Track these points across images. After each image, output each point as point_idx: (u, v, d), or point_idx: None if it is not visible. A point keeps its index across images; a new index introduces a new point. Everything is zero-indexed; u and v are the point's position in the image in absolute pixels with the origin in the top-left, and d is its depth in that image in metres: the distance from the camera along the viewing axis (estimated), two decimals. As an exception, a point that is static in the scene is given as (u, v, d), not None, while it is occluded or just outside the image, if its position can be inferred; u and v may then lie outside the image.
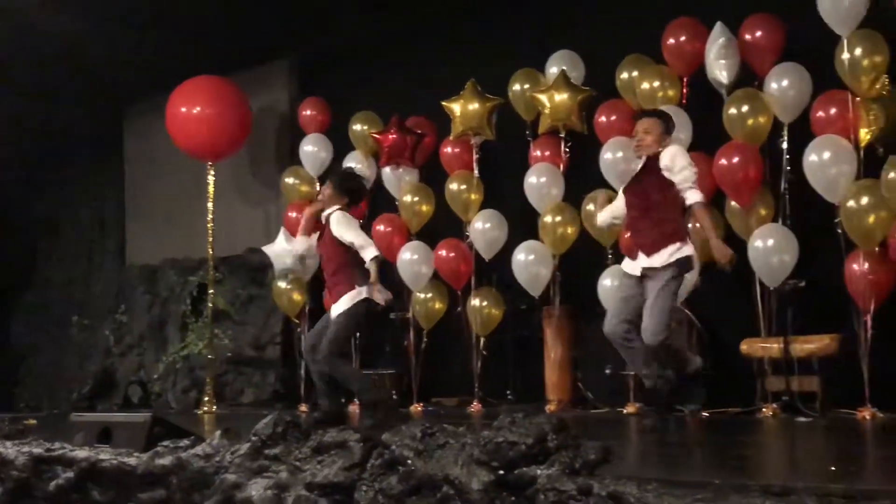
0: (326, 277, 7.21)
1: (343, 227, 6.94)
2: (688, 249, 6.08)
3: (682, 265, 6.08)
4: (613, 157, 7.99)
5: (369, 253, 6.84)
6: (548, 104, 8.49)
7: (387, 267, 8.56)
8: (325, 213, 7.17)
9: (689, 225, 6.42)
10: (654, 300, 5.99)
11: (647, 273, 6.10)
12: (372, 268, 6.82)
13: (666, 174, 6.09)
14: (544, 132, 8.62)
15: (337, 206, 7.08)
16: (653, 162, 6.20)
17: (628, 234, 6.67)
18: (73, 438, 5.45)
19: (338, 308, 6.91)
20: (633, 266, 6.23)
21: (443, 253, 9.01)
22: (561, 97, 8.41)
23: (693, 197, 6.05)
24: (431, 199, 9.47)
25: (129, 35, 10.13)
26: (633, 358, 6.26)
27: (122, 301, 12.63)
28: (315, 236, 7.26)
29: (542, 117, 8.58)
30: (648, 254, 6.10)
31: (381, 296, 6.90)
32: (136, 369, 12.10)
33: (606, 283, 7.83)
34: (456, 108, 9.03)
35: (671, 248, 6.03)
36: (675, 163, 6.08)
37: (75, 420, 5.92)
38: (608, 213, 6.73)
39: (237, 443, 4.34)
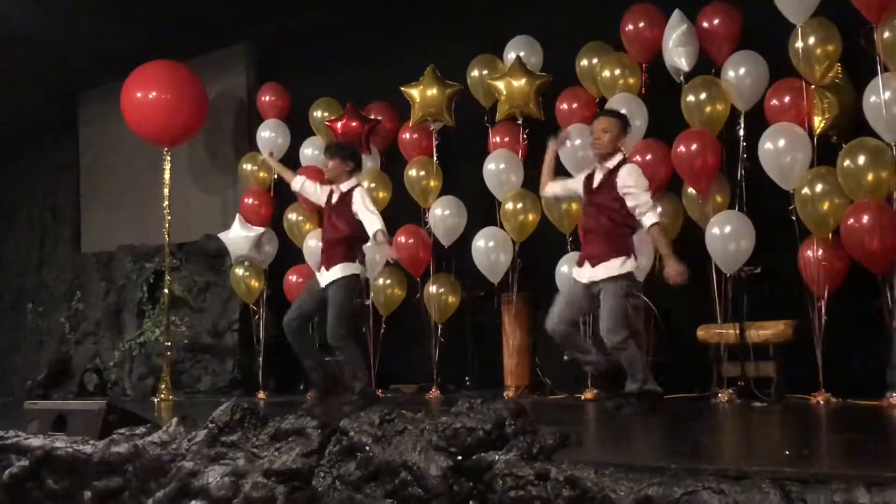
0: (327, 248, 7.38)
1: (367, 202, 7.24)
2: (631, 264, 6.14)
3: (627, 278, 6.15)
4: (572, 144, 8.00)
5: (376, 225, 7.12)
6: (504, 91, 8.48)
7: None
8: (338, 187, 7.40)
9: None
10: (606, 302, 6.05)
11: (594, 283, 6.16)
12: (380, 236, 7.09)
13: (622, 191, 6.11)
14: (502, 119, 8.62)
15: (348, 178, 7.37)
16: (611, 175, 6.20)
17: (582, 239, 6.65)
18: (28, 426, 5.40)
19: (332, 275, 7.19)
20: (580, 274, 6.28)
21: (402, 239, 9.00)
22: (518, 83, 8.41)
23: (650, 220, 6.07)
24: (388, 186, 9.44)
25: (83, 18, 9.98)
26: (574, 344, 6.38)
27: (77, 288, 12.50)
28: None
29: (499, 104, 8.58)
30: (594, 265, 6.15)
31: (393, 253, 7.43)
32: (91, 357, 11.98)
33: (564, 269, 7.85)
34: (415, 93, 9.01)
35: (617, 261, 6.08)
36: (637, 184, 6.11)
37: (30, 408, 5.87)
38: (557, 187, 6.72)
39: (194, 430, 4.32)
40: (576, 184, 6.60)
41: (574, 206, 8.02)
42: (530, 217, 8.38)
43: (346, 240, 7.27)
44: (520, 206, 8.37)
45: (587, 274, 6.19)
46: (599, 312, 6.11)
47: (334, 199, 7.43)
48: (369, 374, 7.77)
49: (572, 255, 7.80)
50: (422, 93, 8.97)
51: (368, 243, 7.36)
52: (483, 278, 8.55)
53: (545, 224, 8.30)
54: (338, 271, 7.21)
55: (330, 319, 7.16)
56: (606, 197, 6.19)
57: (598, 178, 6.32)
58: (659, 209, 6.29)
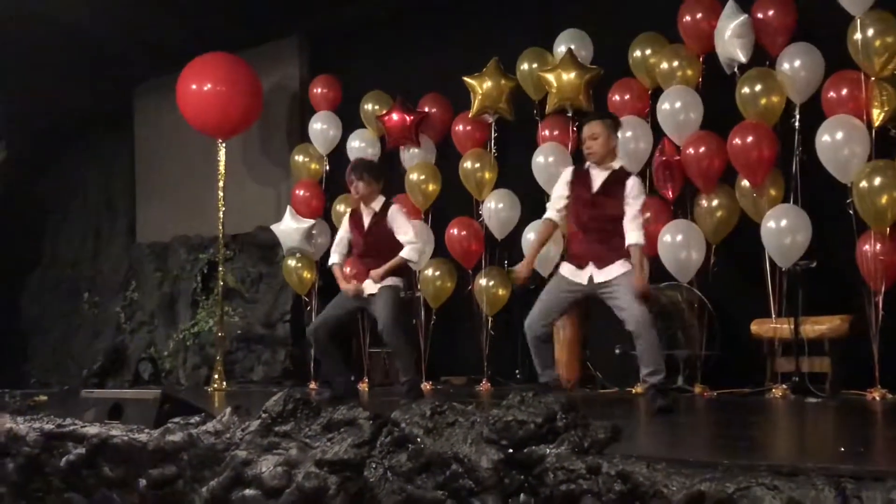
0: (365, 262, 7.25)
1: (403, 221, 7.20)
2: (629, 264, 6.05)
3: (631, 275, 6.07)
4: (623, 137, 7.96)
5: (411, 253, 7.15)
6: (555, 83, 8.45)
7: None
8: (369, 207, 7.26)
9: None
10: (626, 295, 5.94)
11: (597, 285, 6.06)
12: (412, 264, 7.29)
13: (627, 200, 6.02)
14: (551, 112, 8.59)
15: (379, 196, 7.27)
16: (619, 181, 6.09)
17: (571, 234, 6.47)
18: (84, 415, 5.49)
19: (377, 285, 7.12)
20: (577, 275, 6.13)
21: (454, 232, 9.00)
22: (568, 76, 8.37)
23: (636, 238, 5.95)
24: (438, 178, 9.45)
25: (138, 12, 10.11)
26: (543, 356, 6.25)
27: (132, 278, 12.66)
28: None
29: (549, 97, 8.55)
30: (599, 267, 6.04)
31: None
32: (146, 346, 12.14)
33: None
34: (476, 84, 8.98)
35: (619, 262, 6.00)
36: (638, 198, 6.04)
37: (86, 396, 5.96)
38: (553, 212, 6.46)
39: (247, 420, 4.36)
40: (561, 189, 6.38)
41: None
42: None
43: (385, 257, 7.14)
44: (600, 179, 8.29)
45: (588, 275, 6.06)
46: (618, 307, 5.99)
47: (367, 221, 7.27)
48: (418, 368, 7.72)
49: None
50: (483, 84, 8.95)
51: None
52: (534, 271, 8.52)
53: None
54: (386, 280, 7.14)
55: (384, 326, 7.09)
56: (613, 200, 6.07)
57: (599, 178, 6.17)
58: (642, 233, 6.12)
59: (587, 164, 6.25)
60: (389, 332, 7.10)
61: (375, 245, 7.22)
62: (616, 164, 6.17)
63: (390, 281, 7.14)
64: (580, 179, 6.24)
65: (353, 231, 7.36)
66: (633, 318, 5.91)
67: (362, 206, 7.30)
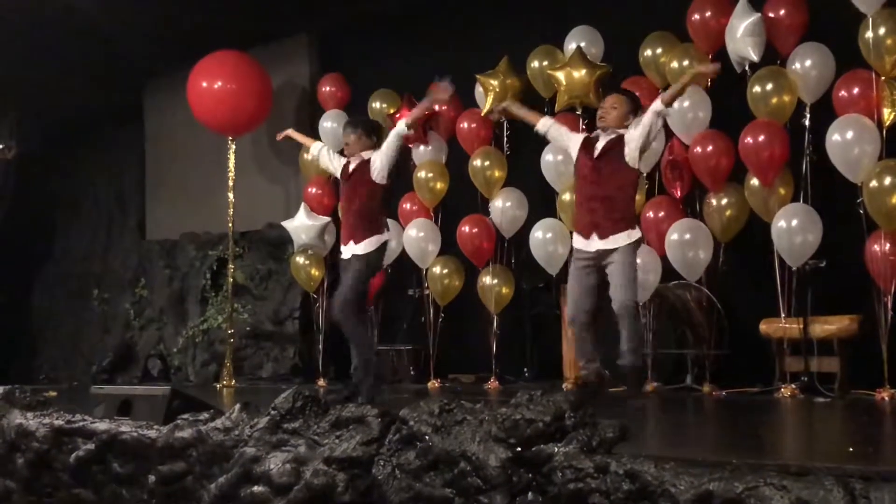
0: (349, 221, 6.89)
1: (383, 153, 6.79)
2: (637, 233, 6.20)
3: (637, 245, 6.17)
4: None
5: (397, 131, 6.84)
6: (564, 81, 8.44)
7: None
8: (355, 160, 6.94)
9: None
10: (619, 268, 6.05)
11: (602, 254, 6.14)
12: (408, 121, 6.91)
13: (630, 159, 6.13)
14: (561, 109, 8.58)
15: (370, 151, 6.90)
16: (618, 146, 6.18)
17: (577, 203, 6.50)
18: (94, 411, 5.50)
19: (358, 249, 6.73)
20: (586, 244, 6.22)
21: (466, 229, 9.00)
22: (578, 74, 8.37)
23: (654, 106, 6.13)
24: (446, 176, 9.45)
25: (148, 9, 10.13)
26: (582, 346, 6.31)
27: (141, 275, 12.69)
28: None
29: (558, 94, 8.55)
30: (601, 236, 6.13)
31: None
32: (155, 343, 12.17)
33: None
34: (494, 82, 8.96)
35: (623, 233, 6.09)
36: (636, 128, 6.17)
37: (96, 392, 5.98)
38: (551, 127, 6.65)
39: (256, 416, 4.37)
40: (569, 140, 6.49)
41: (637, 196, 7.97)
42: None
43: (368, 213, 6.77)
44: (601, 144, 8.29)
45: (595, 245, 6.16)
46: (611, 282, 6.07)
47: (352, 167, 6.94)
48: (373, 352, 7.20)
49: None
50: (496, 82, 8.93)
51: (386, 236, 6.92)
52: (542, 269, 8.53)
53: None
54: (366, 245, 6.72)
55: (341, 289, 6.79)
56: (613, 163, 6.15)
57: (601, 143, 6.25)
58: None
59: (595, 132, 6.37)
60: (341, 308, 6.67)
61: (354, 195, 6.85)
62: (620, 131, 6.22)
63: (374, 243, 6.74)
64: (586, 148, 6.34)
65: (341, 181, 7.09)
66: (618, 302, 6.03)
67: (352, 159, 7.00)
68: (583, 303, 6.25)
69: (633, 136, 6.17)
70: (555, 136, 6.70)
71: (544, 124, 6.75)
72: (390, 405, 4.36)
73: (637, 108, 6.36)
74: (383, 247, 6.85)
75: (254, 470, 4.11)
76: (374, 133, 7.07)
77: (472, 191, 9.16)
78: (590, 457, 3.25)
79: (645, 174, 8.01)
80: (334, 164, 7.21)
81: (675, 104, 6.39)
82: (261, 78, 10.57)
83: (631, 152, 6.16)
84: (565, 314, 6.36)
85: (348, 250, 6.83)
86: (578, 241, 6.31)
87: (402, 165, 7.62)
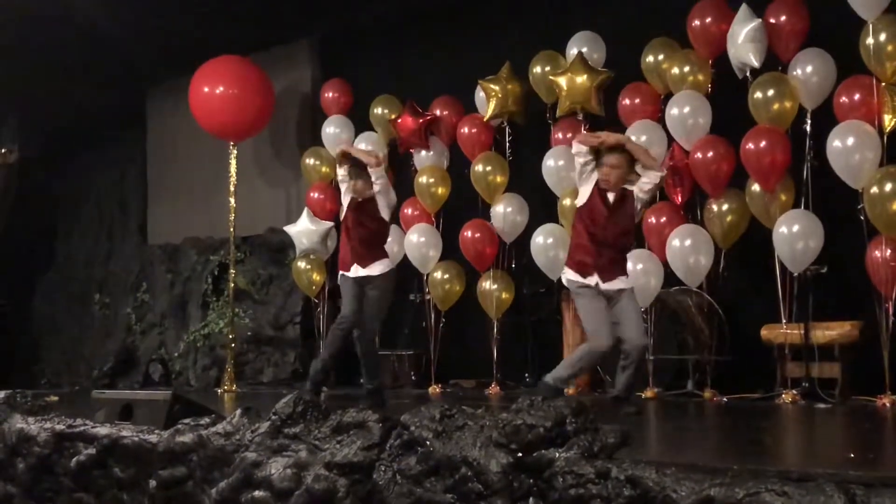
0: (361, 249, 7.21)
1: (383, 195, 7.24)
2: (632, 281, 6.34)
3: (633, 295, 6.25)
4: (638, 141, 7.96)
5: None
6: (565, 87, 8.45)
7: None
8: (362, 198, 7.27)
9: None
10: (630, 309, 6.12)
11: (608, 292, 6.17)
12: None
13: (640, 195, 6.21)
14: (563, 115, 8.59)
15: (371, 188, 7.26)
16: (628, 196, 6.21)
17: (579, 244, 6.38)
18: (95, 415, 5.50)
19: (375, 269, 7.15)
20: (586, 280, 6.18)
21: (468, 234, 9.00)
22: (579, 79, 8.37)
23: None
24: (447, 181, 9.45)
25: (152, 14, 10.14)
26: (627, 378, 6.26)
27: (143, 280, 12.70)
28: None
29: (560, 100, 8.55)
30: (603, 280, 6.13)
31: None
32: (157, 347, 12.17)
33: (629, 266, 7.81)
34: (496, 87, 8.96)
35: (621, 278, 6.17)
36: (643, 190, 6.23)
37: (97, 397, 5.98)
38: (586, 153, 6.50)
39: (257, 421, 4.37)
40: (588, 176, 6.39)
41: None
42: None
43: (377, 240, 7.27)
44: (611, 198, 8.30)
45: (594, 280, 6.15)
46: (622, 325, 6.09)
47: (360, 199, 7.31)
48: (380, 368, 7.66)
49: (639, 252, 7.75)
50: (498, 88, 8.95)
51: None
52: (543, 274, 8.53)
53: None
54: (383, 265, 7.20)
55: (372, 316, 7.21)
56: (623, 218, 6.22)
57: (612, 196, 6.24)
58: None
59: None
60: (373, 330, 7.32)
61: (364, 223, 7.24)
62: (628, 187, 6.25)
63: (387, 265, 7.28)
64: (599, 193, 6.28)
65: (349, 209, 7.35)
66: (633, 343, 6.06)
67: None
68: (610, 327, 6.20)
69: (640, 197, 6.23)
70: (583, 160, 6.50)
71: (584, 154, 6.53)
72: (391, 410, 4.36)
73: (633, 160, 6.33)
74: (394, 272, 7.41)
75: (255, 475, 4.11)
76: (367, 174, 7.32)
77: (473, 196, 9.16)
78: (591, 462, 3.26)
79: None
80: (343, 188, 7.47)
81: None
82: (262, 83, 10.58)
83: (637, 211, 6.32)
84: (605, 343, 6.28)
85: (358, 272, 7.19)
86: (573, 275, 6.24)
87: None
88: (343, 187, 7.45)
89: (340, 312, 7.32)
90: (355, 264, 7.20)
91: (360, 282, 7.18)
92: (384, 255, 7.28)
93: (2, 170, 13.03)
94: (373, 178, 7.13)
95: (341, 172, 7.45)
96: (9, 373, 12.36)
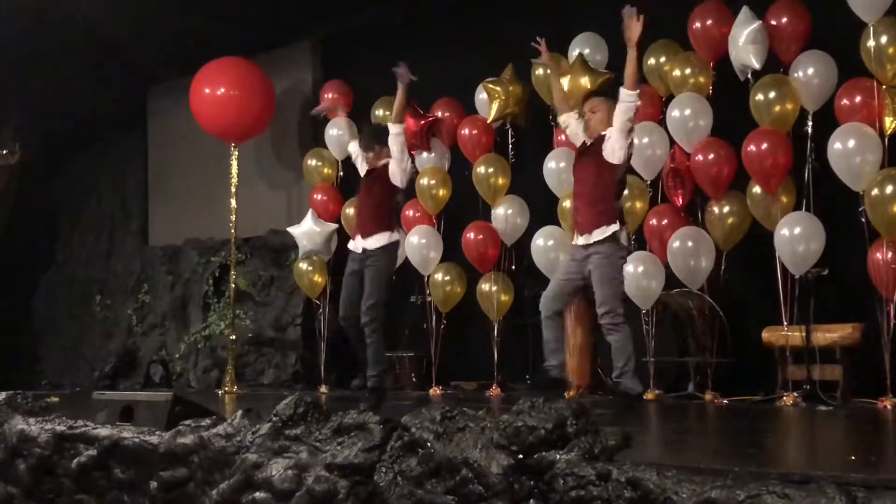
0: (364, 218, 7.30)
1: (396, 161, 7.21)
2: (615, 227, 6.16)
3: (615, 242, 6.16)
4: (639, 143, 7.96)
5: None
6: (567, 88, 8.44)
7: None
8: (373, 167, 7.36)
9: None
10: (598, 269, 6.14)
11: (587, 250, 6.23)
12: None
13: (607, 155, 6.18)
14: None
15: (387, 156, 7.30)
16: (598, 144, 6.27)
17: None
18: (96, 416, 5.50)
19: (375, 242, 7.13)
20: (577, 240, 6.37)
21: (471, 235, 9.00)
22: (580, 81, 8.37)
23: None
24: (448, 183, 9.45)
25: (152, 15, 10.15)
26: (550, 331, 6.37)
27: (144, 281, 12.71)
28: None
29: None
30: (581, 233, 6.26)
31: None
32: (157, 348, 12.17)
33: (629, 269, 7.82)
34: (499, 89, 8.96)
35: (601, 228, 6.15)
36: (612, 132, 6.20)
37: (98, 398, 5.97)
38: (571, 122, 6.71)
39: (258, 423, 4.37)
40: (576, 139, 6.63)
41: (638, 204, 7.98)
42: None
43: (381, 212, 7.23)
44: (586, 145, 8.30)
45: (582, 241, 6.27)
46: (595, 285, 6.15)
47: (371, 169, 7.44)
48: (387, 363, 7.54)
49: (640, 255, 7.76)
50: (502, 90, 8.95)
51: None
52: (544, 277, 8.53)
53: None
54: (381, 238, 7.15)
55: (367, 287, 7.05)
56: (592, 164, 6.24)
57: (588, 143, 6.38)
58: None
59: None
60: (371, 309, 7.01)
61: (372, 191, 7.31)
62: (605, 132, 6.25)
63: (389, 238, 7.18)
64: (580, 147, 6.47)
65: (362, 178, 7.48)
66: (602, 309, 6.14)
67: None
68: (559, 289, 6.38)
69: (611, 133, 6.22)
70: (574, 131, 6.70)
71: (566, 118, 6.78)
72: (392, 412, 4.36)
73: (614, 99, 6.37)
74: (395, 246, 7.28)
75: (255, 476, 4.11)
76: (385, 138, 7.36)
77: (474, 198, 9.16)
78: (592, 464, 3.25)
79: (648, 181, 8.04)
80: (359, 162, 7.59)
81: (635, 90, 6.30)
82: (264, 84, 10.58)
83: (609, 148, 6.21)
84: (541, 301, 6.38)
85: (359, 244, 7.20)
86: (574, 240, 6.46)
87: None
88: (358, 162, 7.55)
89: None
90: (358, 235, 7.22)
91: (360, 259, 7.14)
92: (388, 227, 7.18)
93: (3, 170, 13.03)
94: (392, 132, 7.11)
95: (353, 148, 7.57)
96: (9, 373, 12.36)
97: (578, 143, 6.61)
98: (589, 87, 8.33)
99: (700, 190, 7.78)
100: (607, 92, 6.68)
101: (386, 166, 7.25)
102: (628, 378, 6.12)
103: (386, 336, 7.27)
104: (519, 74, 8.95)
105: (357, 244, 7.23)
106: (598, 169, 6.23)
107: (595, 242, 6.16)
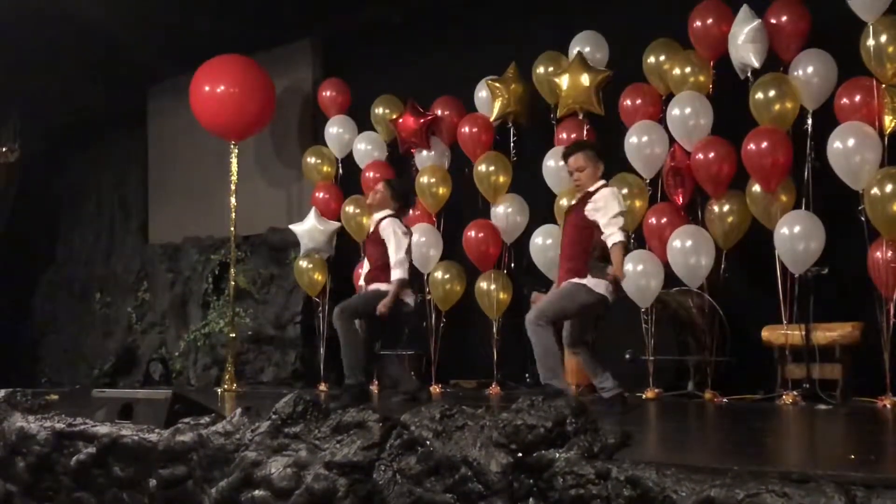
0: (370, 267, 7.44)
1: (389, 236, 7.26)
2: (584, 280, 6.10)
3: (579, 286, 6.10)
4: (638, 142, 7.98)
5: (395, 274, 7.21)
6: (565, 87, 8.45)
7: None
8: (375, 216, 7.48)
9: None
10: (563, 290, 6.17)
11: None
12: (392, 287, 7.20)
13: (589, 214, 6.11)
14: (564, 115, 8.59)
15: (387, 211, 7.40)
16: (585, 198, 6.23)
17: None
18: (95, 414, 5.50)
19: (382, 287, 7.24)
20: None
21: (472, 234, 9.00)
22: (579, 79, 8.37)
23: (616, 238, 6.00)
24: (448, 181, 9.46)
25: (153, 13, 10.15)
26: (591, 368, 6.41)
27: (144, 279, 12.71)
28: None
29: (561, 100, 8.55)
30: (558, 285, 6.28)
31: (410, 300, 7.39)
32: (157, 346, 12.18)
33: (629, 267, 7.81)
34: (500, 87, 8.97)
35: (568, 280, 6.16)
36: (608, 204, 6.08)
37: (97, 396, 5.97)
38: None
39: (257, 421, 4.37)
40: None
41: (637, 203, 7.98)
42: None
43: (383, 266, 7.30)
44: (573, 202, 8.30)
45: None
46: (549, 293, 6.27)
47: (372, 227, 7.55)
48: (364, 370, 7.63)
49: (639, 253, 7.77)
50: (505, 88, 8.94)
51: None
52: (543, 275, 8.53)
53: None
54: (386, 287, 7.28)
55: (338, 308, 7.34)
56: (575, 218, 6.25)
57: (575, 198, 6.40)
58: (623, 232, 6.11)
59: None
60: (337, 315, 7.23)
61: (371, 250, 7.44)
62: (593, 188, 6.24)
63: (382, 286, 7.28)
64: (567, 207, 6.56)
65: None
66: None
67: (375, 216, 7.53)
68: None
69: (597, 204, 6.12)
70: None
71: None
72: (391, 410, 4.35)
73: (599, 152, 6.37)
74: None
75: (255, 474, 4.10)
76: (399, 198, 7.54)
77: (473, 196, 9.16)
78: (591, 463, 3.25)
79: (647, 180, 8.04)
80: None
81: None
82: (264, 82, 10.58)
83: (591, 209, 6.15)
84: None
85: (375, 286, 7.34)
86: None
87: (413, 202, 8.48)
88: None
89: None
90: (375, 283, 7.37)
91: None
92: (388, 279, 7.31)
93: (2, 168, 13.03)
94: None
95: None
96: (9, 371, 12.35)
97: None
98: (588, 84, 8.33)
99: (699, 188, 7.77)
100: (583, 145, 6.62)
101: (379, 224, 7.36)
102: (553, 378, 6.16)
103: (384, 336, 7.39)
104: (521, 73, 8.94)
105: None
106: (580, 223, 6.20)
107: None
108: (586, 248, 6.17)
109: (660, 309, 7.77)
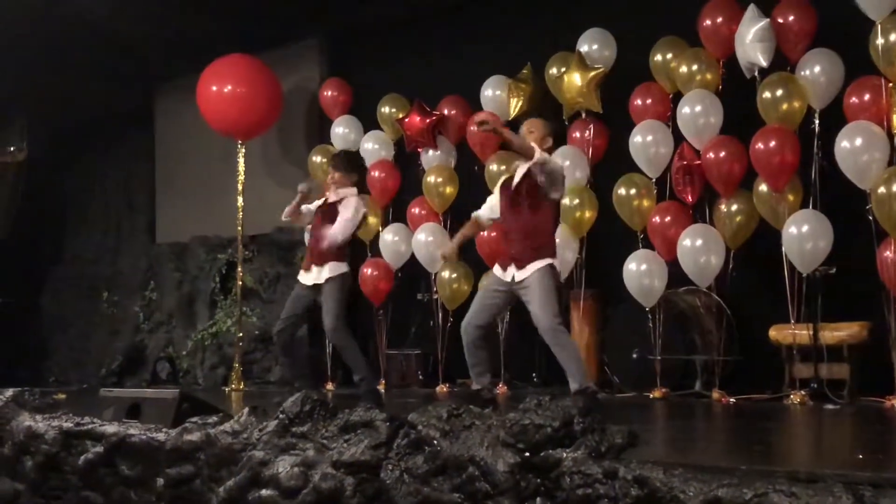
0: (314, 252, 7.12)
1: (349, 207, 7.04)
2: (552, 259, 5.99)
3: (551, 268, 5.98)
4: (643, 141, 7.97)
5: (334, 230, 6.97)
6: (566, 88, 8.45)
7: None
8: (333, 197, 7.22)
9: None
10: (535, 292, 5.90)
11: (517, 284, 6.01)
12: (328, 237, 6.98)
13: (536, 170, 5.95)
14: (569, 114, 8.59)
15: (349, 188, 7.18)
16: (531, 170, 6.03)
17: (501, 240, 6.46)
18: (103, 413, 5.51)
19: (326, 273, 6.96)
20: (504, 275, 6.11)
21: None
22: (576, 78, 8.36)
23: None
24: (455, 180, 9.45)
25: (160, 12, 10.17)
26: (471, 358, 6.28)
27: (151, 278, 12.71)
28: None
29: (565, 100, 8.54)
30: (518, 268, 6.00)
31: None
32: (164, 346, 12.19)
33: (632, 266, 7.82)
34: (515, 88, 8.95)
35: (538, 263, 5.93)
36: (547, 161, 5.97)
37: (105, 395, 5.98)
38: (486, 209, 6.51)
39: (265, 420, 4.37)
40: (495, 196, 6.43)
41: (645, 203, 7.97)
42: (587, 214, 8.36)
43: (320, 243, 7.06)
44: (576, 202, 8.32)
45: (511, 274, 6.04)
46: (530, 308, 5.94)
47: (331, 199, 7.27)
48: (370, 367, 7.42)
49: (642, 253, 7.78)
50: (521, 88, 8.93)
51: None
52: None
53: (614, 221, 8.23)
54: (332, 269, 6.98)
55: (326, 317, 6.99)
56: (530, 192, 6.04)
57: (518, 175, 6.16)
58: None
59: (515, 164, 6.31)
60: (332, 330, 7.01)
61: (325, 227, 7.11)
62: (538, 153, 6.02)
63: (335, 269, 6.99)
64: (507, 181, 6.31)
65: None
66: (541, 326, 5.89)
67: (331, 193, 7.28)
68: (477, 318, 6.19)
69: (542, 164, 5.97)
70: (489, 212, 6.51)
71: (476, 214, 6.60)
72: (398, 410, 4.36)
73: (552, 129, 6.29)
74: (348, 275, 7.14)
75: (262, 473, 4.11)
76: (356, 171, 7.34)
77: (481, 195, 9.13)
78: (598, 462, 3.25)
79: (654, 179, 8.03)
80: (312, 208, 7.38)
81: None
82: (271, 82, 10.58)
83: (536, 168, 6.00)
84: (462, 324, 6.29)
85: (312, 277, 7.05)
86: (496, 269, 6.23)
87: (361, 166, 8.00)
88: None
89: None
90: (312, 265, 7.12)
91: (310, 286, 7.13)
92: (340, 257, 7.09)
93: (10, 168, 13.06)
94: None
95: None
96: (17, 370, 12.38)
97: (496, 198, 6.41)
98: (578, 83, 8.32)
99: (707, 187, 7.75)
100: (542, 118, 6.57)
101: (341, 202, 7.11)
102: (587, 381, 5.96)
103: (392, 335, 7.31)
104: (517, 70, 8.92)
105: (310, 276, 7.07)
106: (534, 195, 6.03)
107: (528, 276, 5.95)
108: (551, 221, 6.12)
109: (667, 308, 7.76)
